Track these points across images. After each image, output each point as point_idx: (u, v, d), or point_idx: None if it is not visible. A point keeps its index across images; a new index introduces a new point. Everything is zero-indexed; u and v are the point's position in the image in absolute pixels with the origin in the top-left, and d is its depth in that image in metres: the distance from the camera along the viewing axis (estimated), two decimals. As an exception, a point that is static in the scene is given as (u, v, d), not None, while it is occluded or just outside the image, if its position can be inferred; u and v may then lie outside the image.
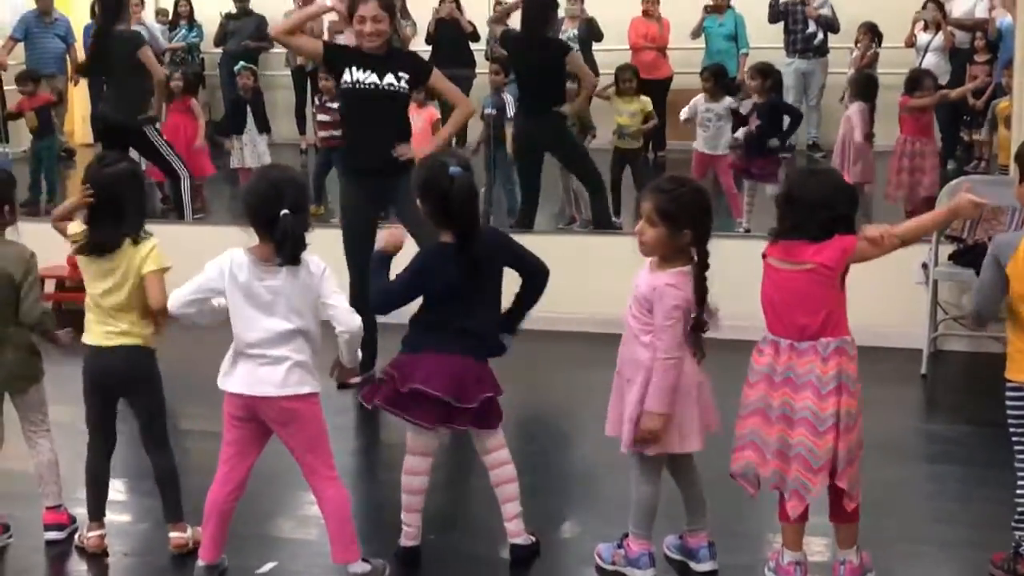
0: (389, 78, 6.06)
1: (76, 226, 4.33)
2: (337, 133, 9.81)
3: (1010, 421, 4.01)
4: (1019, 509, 4.00)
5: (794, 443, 3.84)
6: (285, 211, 3.80)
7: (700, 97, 8.89)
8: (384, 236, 4.23)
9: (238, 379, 3.91)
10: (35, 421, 4.49)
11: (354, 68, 6.07)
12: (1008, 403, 4.01)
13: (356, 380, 6.21)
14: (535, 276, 4.24)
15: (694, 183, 4.15)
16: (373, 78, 6.05)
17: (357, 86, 6.08)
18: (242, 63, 10.97)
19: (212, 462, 4.08)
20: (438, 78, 6.36)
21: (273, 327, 3.87)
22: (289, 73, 12.71)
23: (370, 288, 4.19)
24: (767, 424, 3.89)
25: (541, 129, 8.30)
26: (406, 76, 6.11)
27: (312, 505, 4.18)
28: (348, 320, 3.94)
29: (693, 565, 4.17)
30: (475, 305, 4.12)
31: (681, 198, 3.92)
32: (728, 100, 8.87)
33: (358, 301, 6.07)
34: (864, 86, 9.01)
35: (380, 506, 4.60)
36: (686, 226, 3.89)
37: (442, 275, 4.08)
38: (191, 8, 13.42)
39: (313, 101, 9.87)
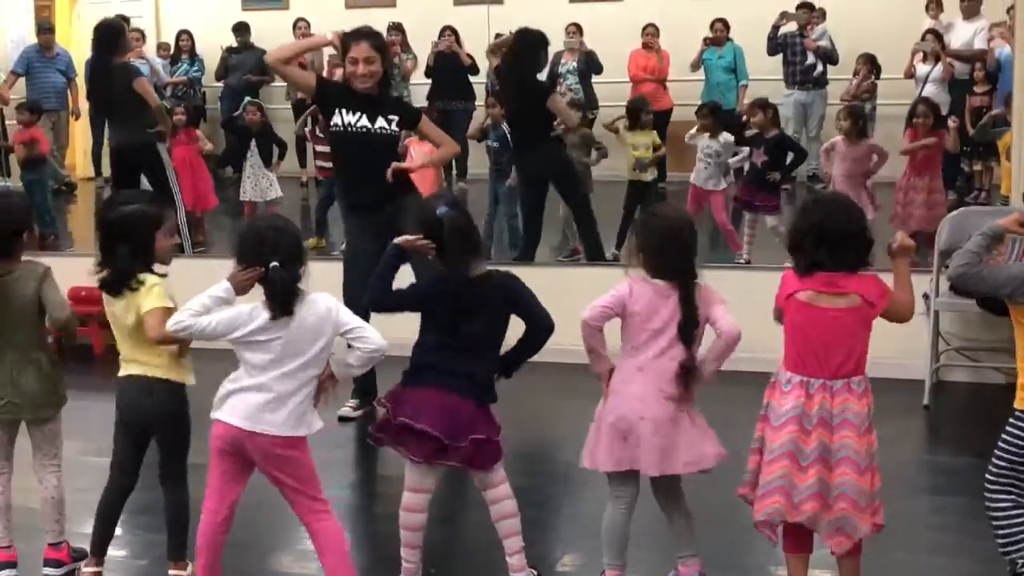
0: (381, 122, 6.03)
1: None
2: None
3: (1011, 447, 3.97)
4: (1000, 533, 3.98)
5: (836, 483, 3.79)
6: (274, 263, 3.81)
7: (703, 136, 8.87)
8: (408, 242, 4.21)
9: (233, 411, 3.89)
10: (48, 454, 4.45)
11: (344, 111, 6.03)
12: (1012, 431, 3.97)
13: (357, 414, 6.26)
14: (537, 332, 4.21)
15: (672, 213, 4.11)
16: (364, 121, 6.02)
17: (349, 130, 6.04)
18: (248, 98, 11.00)
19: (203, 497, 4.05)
20: (426, 123, 6.33)
21: (280, 369, 3.86)
22: (290, 107, 12.76)
23: (371, 278, 4.22)
24: (798, 469, 3.81)
25: (537, 157, 8.30)
26: (396, 119, 6.09)
27: (309, 539, 4.15)
28: (377, 339, 3.90)
29: None
30: (471, 346, 4.11)
31: (647, 224, 4.03)
32: (726, 136, 8.87)
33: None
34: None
35: (378, 540, 4.58)
36: (642, 250, 3.95)
37: (440, 303, 4.10)
38: (192, 42, 13.50)
39: (313, 131, 9.87)
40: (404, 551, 4.22)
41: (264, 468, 3.94)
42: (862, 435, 3.80)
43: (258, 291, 3.87)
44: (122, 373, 4.27)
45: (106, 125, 9.60)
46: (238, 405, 3.88)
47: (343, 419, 6.25)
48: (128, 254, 4.17)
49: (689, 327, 3.92)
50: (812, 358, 3.81)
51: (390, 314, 4.20)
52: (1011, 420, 3.95)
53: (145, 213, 4.27)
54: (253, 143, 10.07)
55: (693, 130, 9.03)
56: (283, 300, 3.82)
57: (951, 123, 8.66)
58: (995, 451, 3.98)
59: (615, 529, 4.10)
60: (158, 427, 4.27)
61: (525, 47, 8.21)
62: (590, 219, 8.45)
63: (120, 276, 4.16)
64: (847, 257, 3.78)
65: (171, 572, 4.33)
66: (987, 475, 4.00)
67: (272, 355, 3.85)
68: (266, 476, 3.96)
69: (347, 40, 6.10)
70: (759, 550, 4.36)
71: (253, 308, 3.86)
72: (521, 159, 8.49)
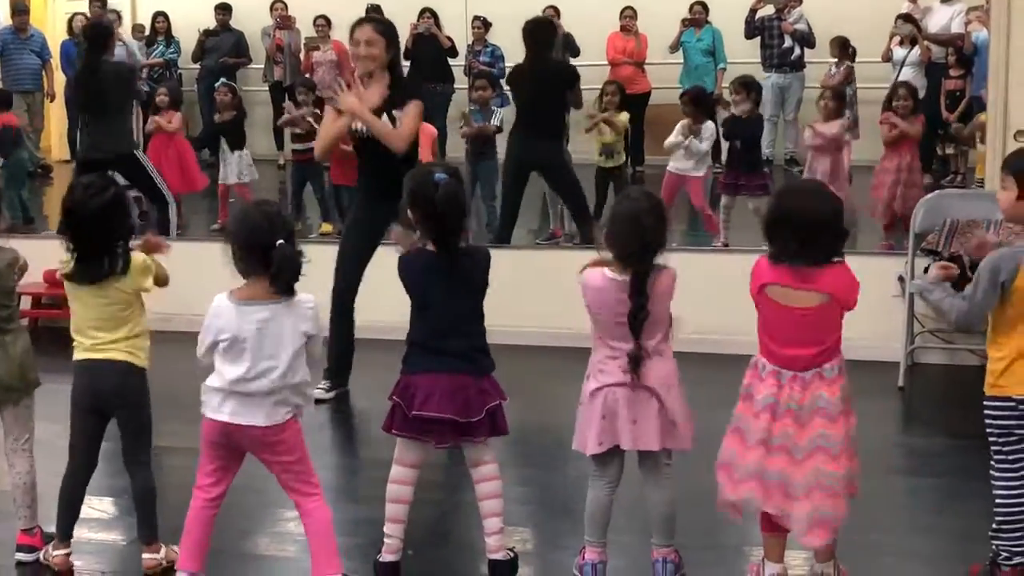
0: (385, 119, 5.99)
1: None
2: (309, 146, 9.85)
3: (992, 429, 3.99)
4: (997, 519, 4.00)
5: (808, 475, 3.79)
6: (281, 240, 3.79)
7: (685, 122, 8.65)
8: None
9: (219, 408, 3.89)
10: (18, 437, 4.43)
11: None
12: (993, 415, 3.98)
13: (330, 396, 6.26)
14: None
15: (635, 200, 4.00)
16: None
17: (361, 135, 6.05)
18: (222, 80, 10.96)
19: (190, 479, 4.05)
20: (406, 112, 6.06)
21: (259, 363, 3.85)
22: (266, 88, 12.73)
23: None
24: (767, 456, 3.83)
25: (537, 156, 8.31)
26: (398, 112, 6.02)
27: (288, 522, 4.17)
28: (315, 355, 3.98)
29: None
30: (460, 321, 4.11)
31: (612, 208, 4.00)
32: (709, 124, 8.79)
33: (339, 307, 6.12)
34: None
35: (358, 523, 4.59)
36: (606, 235, 3.93)
37: (419, 279, 4.11)
38: (168, 24, 13.44)
39: (291, 115, 9.85)
40: (388, 526, 4.22)
41: (258, 455, 3.96)
42: (835, 420, 3.79)
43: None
44: (81, 357, 4.26)
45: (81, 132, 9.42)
46: (228, 405, 3.87)
47: (317, 401, 6.24)
48: (117, 240, 4.15)
49: (637, 317, 3.88)
50: (783, 352, 3.82)
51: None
52: (984, 409, 3.99)
53: (121, 198, 4.27)
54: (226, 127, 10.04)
55: (678, 135, 8.74)
56: (289, 277, 3.81)
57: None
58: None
59: (597, 508, 4.11)
60: (118, 411, 4.28)
61: (540, 29, 8.24)
62: (585, 208, 8.45)
63: (106, 263, 4.12)
64: (820, 246, 3.76)
65: (144, 555, 4.33)
66: (990, 465, 4.02)
67: (249, 345, 3.83)
68: (262, 461, 3.97)
69: (352, 26, 6.09)
70: (735, 531, 4.39)
71: (215, 311, 3.85)
72: (520, 151, 8.42)
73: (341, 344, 6.23)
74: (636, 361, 3.91)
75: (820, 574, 3.98)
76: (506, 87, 9.11)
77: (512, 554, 4.28)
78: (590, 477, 4.12)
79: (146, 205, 9.42)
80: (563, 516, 4.68)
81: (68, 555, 4.37)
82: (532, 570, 4.37)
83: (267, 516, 4.78)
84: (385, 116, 5.99)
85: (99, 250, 4.15)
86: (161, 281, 4.28)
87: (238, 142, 10.00)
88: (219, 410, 3.88)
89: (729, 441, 3.95)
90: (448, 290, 4.09)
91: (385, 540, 4.22)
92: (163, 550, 4.31)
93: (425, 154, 7.46)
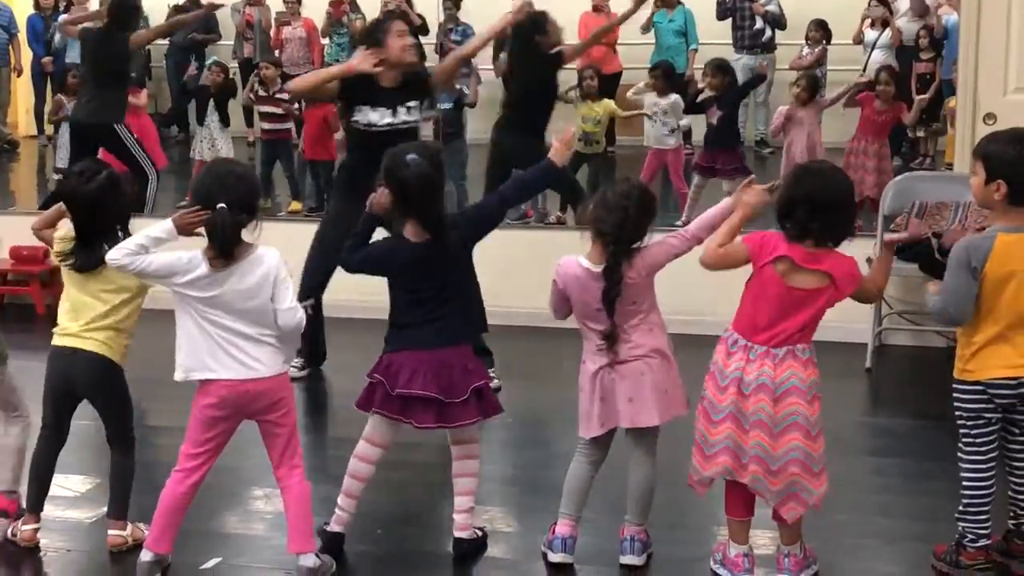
0: (402, 113, 5.90)
1: (63, 231, 4.26)
2: (282, 126, 9.79)
3: (963, 412, 4.00)
4: (964, 501, 4.03)
5: (785, 449, 3.82)
6: (221, 205, 3.77)
7: (651, 94, 8.88)
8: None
9: (224, 368, 3.86)
10: (7, 407, 4.43)
11: (368, 109, 5.88)
12: (963, 399, 3.99)
13: (302, 374, 6.24)
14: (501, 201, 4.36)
15: (626, 189, 4.01)
16: (388, 118, 5.88)
17: (372, 129, 5.88)
18: (214, 58, 10.91)
19: (173, 459, 4.04)
20: (437, 71, 6.22)
21: (238, 320, 3.84)
22: (236, 65, 12.63)
23: (349, 238, 4.21)
24: (741, 430, 3.85)
25: (522, 152, 8.19)
26: (416, 103, 5.96)
27: (257, 500, 4.16)
28: (292, 322, 3.90)
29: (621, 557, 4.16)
30: (446, 295, 4.11)
31: (603, 193, 4.00)
32: (675, 97, 8.89)
33: (311, 285, 6.05)
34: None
35: (330, 504, 4.57)
36: (589, 219, 3.97)
37: (400, 271, 4.10)
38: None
39: (256, 93, 9.79)
40: (341, 498, 4.23)
41: (264, 419, 3.94)
42: (811, 402, 3.84)
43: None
44: (59, 343, 4.23)
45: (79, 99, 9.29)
46: (225, 361, 3.85)
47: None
48: (115, 225, 4.14)
49: (609, 295, 3.91)
50: (762, 326, 3.84)
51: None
52: (953, 393, 4.01)
53: (116, 181, 4.24)
54: (211, 103, 9.96)
55: (640, 84, 9.01)
56: (222, 243, 3.77)
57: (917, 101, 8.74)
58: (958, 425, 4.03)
59: (578, 482, 4.14)
60: (94, 399, 4.27)
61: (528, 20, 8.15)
62: (578, 193, 8.37)
63: (105, 249, 4.02)
64: (840, 226, 3.80)
65: (110, 532, 4.31)
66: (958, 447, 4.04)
67: (224, 302, 3.82)
68: (262, 426, 3.96)
69: (381, 23, 6.01)
70: (702, 510, 4.41)
71: (192, 256, 3.82)
72: (505, 143, 8.08)
73: (313, 327, 6.19)
74: (612, 339, 3.95)
75: (786, 554, 4.00)
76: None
77: (479, 533, 4.28)
78: (577, 451, 4.14)
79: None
80: (542, 496, 4.67)
81: (36, 530, 4.35)
82: (502, 549, 4.37)
83: (236, 495, 4.77)
84: (402, 111, 5.90)
85: (97, 235, 4.13)
86: None
87: (226, 119, 10.00)
88: (215, 369, 3.85)
89: (698, 416, 3.98)
90: (431, 272, 4.08)
91: (336, 511, 4.23)
92: (129, 527, 4.30)
93: None
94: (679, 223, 8.30)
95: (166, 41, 13.11)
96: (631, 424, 4.03)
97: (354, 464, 4.23)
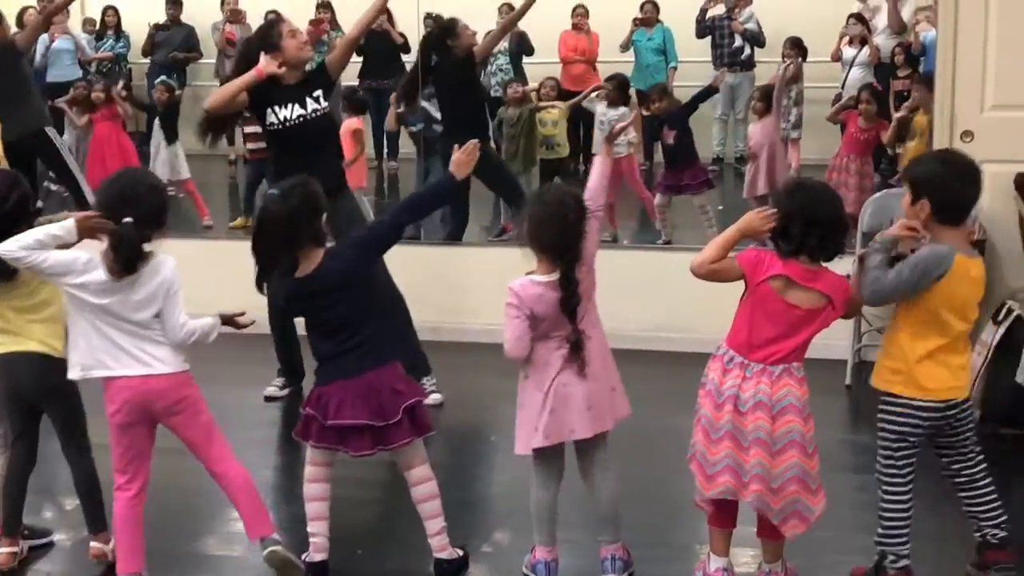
0: (311, 104, 5.95)
1: None
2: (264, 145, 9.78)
3: (888, 432, 4.01)
4: (884, 523, 4.03)
5: (785, 467, 3.82)
6: (128, 219, 3.77)
7: (602, 104, 9.07)
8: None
9: (121, 366, 3.86)
10: None
11: (276, 107, 5.93)
12: (889, 418, 4.00)
13: (283, 394, 6.23)
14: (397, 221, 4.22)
15: (555, 197, 3.99)
16: (299, 111, 5.93)
17: (287, 124, 5.93)
18: (162, 78, 10.95)
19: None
20: (338, 48, 6.32)
21: (138, 321, 3.86)
22: (218, 84, 12.62)
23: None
24: (740, 449, 3.83)
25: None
26: (320, 91, 6.01)
27: (236, 522, 4.13)
28: (179, 336, 3.93)
29: None
30: (355, 320, 4.06)
31: (534, 208, 3.96)
32: (623, 110, 8.97)
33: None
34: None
35: (303, 522, 4.56)
36: (529, 232, 3.94)
37: (291, 308, 4.19)
38: (118, 18, 13.29)
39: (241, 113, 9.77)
40: (311, 525, 4.22)
41: (169, 422, 3.93)
42: (806, 419, 3.85)
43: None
44: (3, 350, 4.20)
45: None
46: (124, 359, 3.86)
47: (269, 399, 6.22)
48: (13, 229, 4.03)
49: (569, 304, 3.90)
50: (760, 344, 3.83)
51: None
52: (879, 403, 4.02)
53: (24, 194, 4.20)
54: (157, 122, 10.08)
55: (592, 94, 9.07)
56: (125, 259, 3.78)
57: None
58: (877, 440, 4.03)
59: (543, 508, 4.11)
60: (44, 404, 4.25)
61: (436, 34, 8.18)
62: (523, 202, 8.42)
63: None
64: (834, 242, 3.80)
65: (93, 545, 4.30)
66: (876, 464, 4.05)
67: (111, 316, 3.83)
68: (171, 429, 3.95)
69: (271, 28, 6.12)
70: (685, 527, 4.41)
71: (90, 259, 3.82)
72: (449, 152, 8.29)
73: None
74: (576, 345, 3.92)
75: (767, 572, 4.01)
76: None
77: (460, 553, 4.28)
78: (533, 477, 4.12)
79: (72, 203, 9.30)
80: (510, 515, 4.67)
81: (14, 554, 4.32)
82: (483, 569, 4.36)
83: (215, 517, 4.75)
84: (310, 100, 5.96)
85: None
86: None
87: (173, 136, 10.04)
88: (112, 367, 3.86)
89: (696, 434, 3.95)
90: (318, 307, 4.06)
91: (311, 540, 4.21)
92: (112, 541, 4.27)
93: (347, 147, 7.44)
94: (660, 241, 8.36)
95: (147, 60, 13.12)
96: (592, 432, 3.98)
97: (308, 489, 4.22)
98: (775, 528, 3.93)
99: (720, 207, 8.95)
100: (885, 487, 4.02)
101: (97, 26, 13.43)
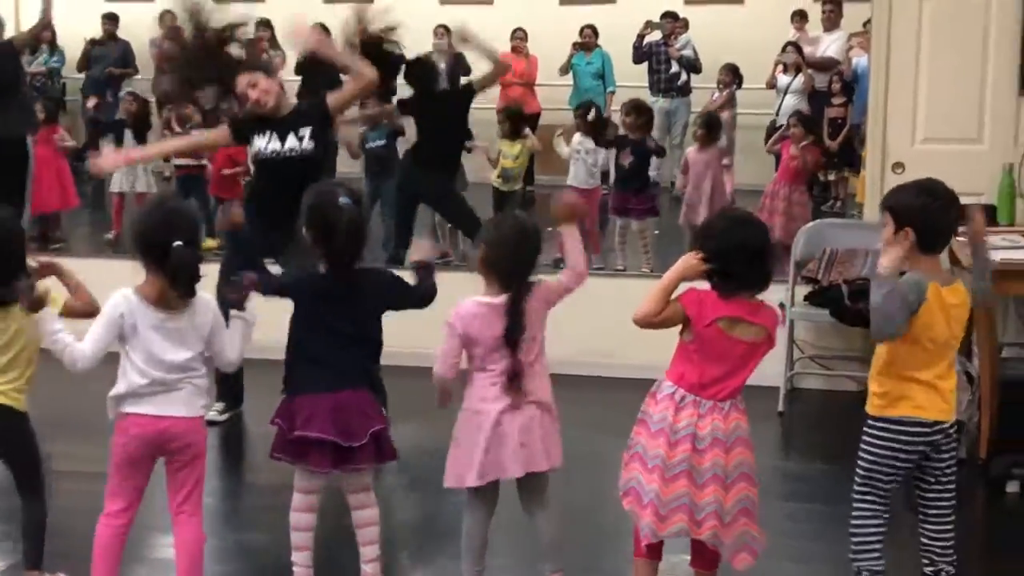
0: (291, 141, 5.83)
1: None
2: (196, 162, 9.71)
3: (870, 455, 4.03)
4: (855, 540, 4.05)
5: (736, 501, 3.83)
6: (178, 242, 3.72)
7: (578, 134, 9.00)
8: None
9: (146, 404, 3.82)
10: None
11: (257, 135, 5.88)
12: (881, 439, 3.99)
13: (223, 418, 6.18)
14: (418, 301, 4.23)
15: (512, 225, 4.05)
16: (275, 145, 5.84)
17: (259, 155, 5.92)
18: (129, 88, 10.83)
19: (89, 504, 3.97)
20: (335, 96, 6.06)
21: (174, 359, 3.81)
22: (154, 101, 12.53)
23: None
24: (695, 486, 3.80)
25: (426, 189, 8.26)
26: (309, 130, 5.86)
27: (167, 548, 4.09)
28: (227, 360, 3.95)
29: None
30: (345, 342, 4.07)
31: (490, 234, 4.00)
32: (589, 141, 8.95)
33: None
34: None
35: (244, 549, 4.54)
36: (482, 263, 3.96)
37: (311, 305, 4.08)
38: (54, 33, 13.14)
39: (169, 128, 9.76)
40: (295, 555, 4.18)
41: (174, 462, 3.89)
42: (751, 448, 3.88)
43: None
44: None
45: None
46: (148, 400, 3.81)
47: (210, 423, 6.14)
48: (14, 267, 3.99)
49: (512, 334, 3.90)
50: (711, 382, 3.82)
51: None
52: (864, 427, 4.05)
53: (15, 221, 4.15)
54: (129, 133, 9.89)
55: (560, 130, 9.10)
56: (187, 281, 3.74)
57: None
58: (857, 458, 4.06)
59: (475, 535, 4.10)
60: (3, 452, 4.16)
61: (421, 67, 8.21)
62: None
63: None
64: (767, 271, 3.82)
65: (26, 577, 4.24)
66: (854, 482, 4.08)
67: (160, 343, 3.79)
68: (173, 467, 3.90)
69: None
70: (617, 552, 4.42)
71: (128, 310, 3.76)
72: (414, 176, 8.27)
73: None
74: (515, 377, 3.92)
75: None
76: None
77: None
78: (467, 507, 4.11)
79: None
80: (451, 540, 4.66)
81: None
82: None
83: (143, 543, 4.69)
84: (292, 137, 5.85)
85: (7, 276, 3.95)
86: (74, 311, 4.02)
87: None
88: (138, 405, 3.81)
89: (631, 468, 3.91)
90: (337, 313, 4.05)
91: (294, 570, 4.18)
92: (44, 582, 4.23)
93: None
94: (596, 267, 8.41)
95: (82, 75, 13.01)
96: (522, 472, 3.97)
97: (294, 518, 4.19)
98: (710, 560, 3.95)
99: (656, 231, 9.01)
100: (861, 507, 4.03)
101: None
